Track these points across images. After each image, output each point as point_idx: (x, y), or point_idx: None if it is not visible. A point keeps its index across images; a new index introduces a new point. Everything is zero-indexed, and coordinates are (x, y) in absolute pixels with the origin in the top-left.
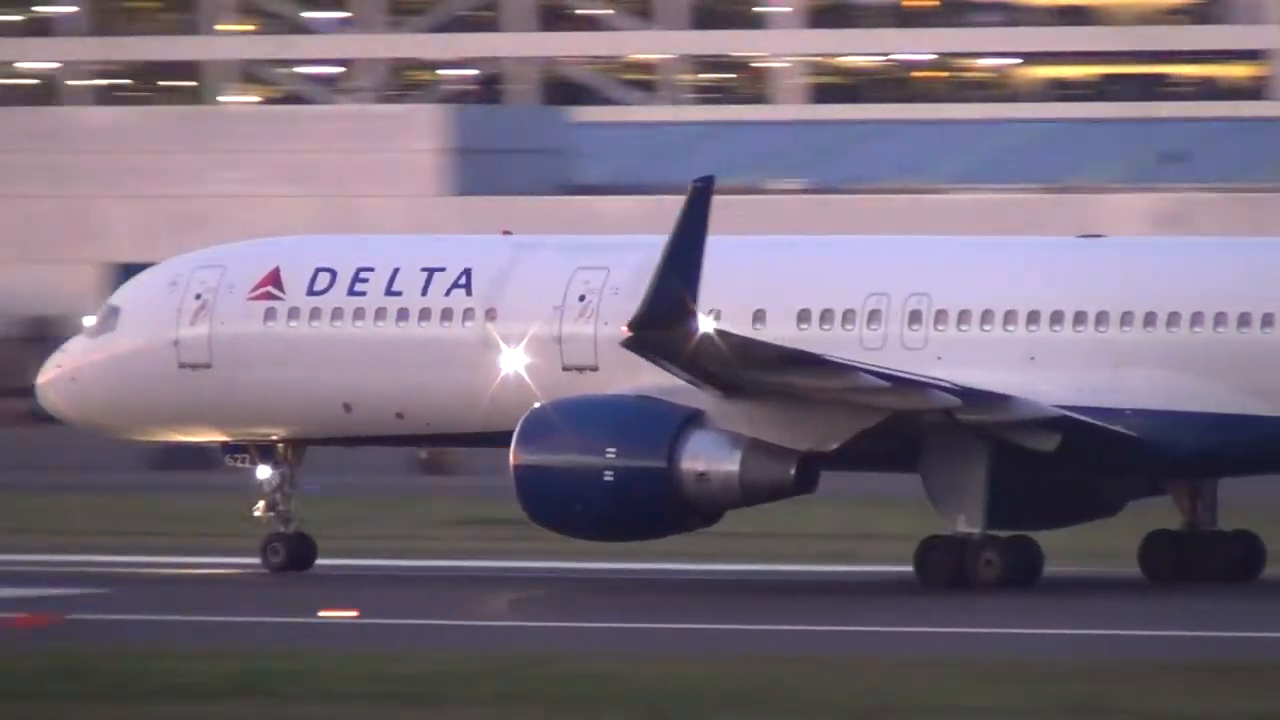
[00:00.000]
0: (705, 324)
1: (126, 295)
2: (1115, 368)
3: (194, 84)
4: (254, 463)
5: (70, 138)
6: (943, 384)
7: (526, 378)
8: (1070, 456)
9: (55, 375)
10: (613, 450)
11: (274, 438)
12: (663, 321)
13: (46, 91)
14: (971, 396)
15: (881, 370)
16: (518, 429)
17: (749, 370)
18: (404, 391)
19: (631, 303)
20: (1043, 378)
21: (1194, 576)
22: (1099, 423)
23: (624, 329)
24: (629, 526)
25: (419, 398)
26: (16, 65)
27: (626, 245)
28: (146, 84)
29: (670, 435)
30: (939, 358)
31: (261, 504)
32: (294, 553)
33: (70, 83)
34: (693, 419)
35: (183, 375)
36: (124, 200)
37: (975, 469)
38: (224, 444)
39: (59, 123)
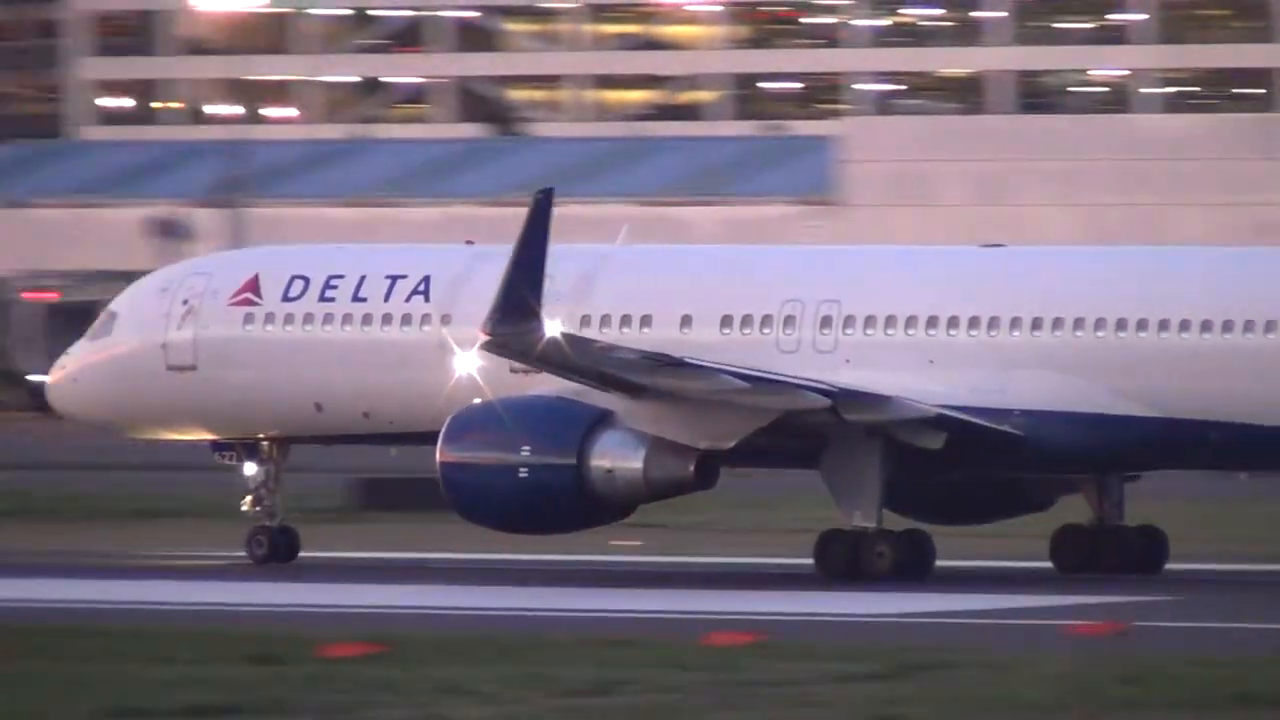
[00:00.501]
0: (551, 328)
1: (124, 300)
2: (1005, 370)
3: (1263, 91)
4: (240, 460)
5: (1140, 145)
6: (813, 385)
7: (478, 379)
8: (958, 454)
9: (60, 376)
10: (527, 448)
11: (260, 436)
12: (511, 325)
13: (1118, 98)
14: (850, 397)
15: (741, 371)
16: (444, 428)
17: (607, 372)
18: (369, 392)
19: (572, 306)
20: (940, 379)
21: (1101, 569)
22: (979, 421)
23: (481, 333)
24: (544, 521)
25: (382, 398)
26: (1089, 73)
27: (568, 254)
28: (1216, 91)
29: (580, 434)
30: (847, 360)
31: (248, 499)
32: (277, 545)
33: (1141, 90)
34: (603, 419)
35: (171, 377)
36: (1193, 209)
37: (869, 467)
38: (213, 442)
39: (1129, 130)
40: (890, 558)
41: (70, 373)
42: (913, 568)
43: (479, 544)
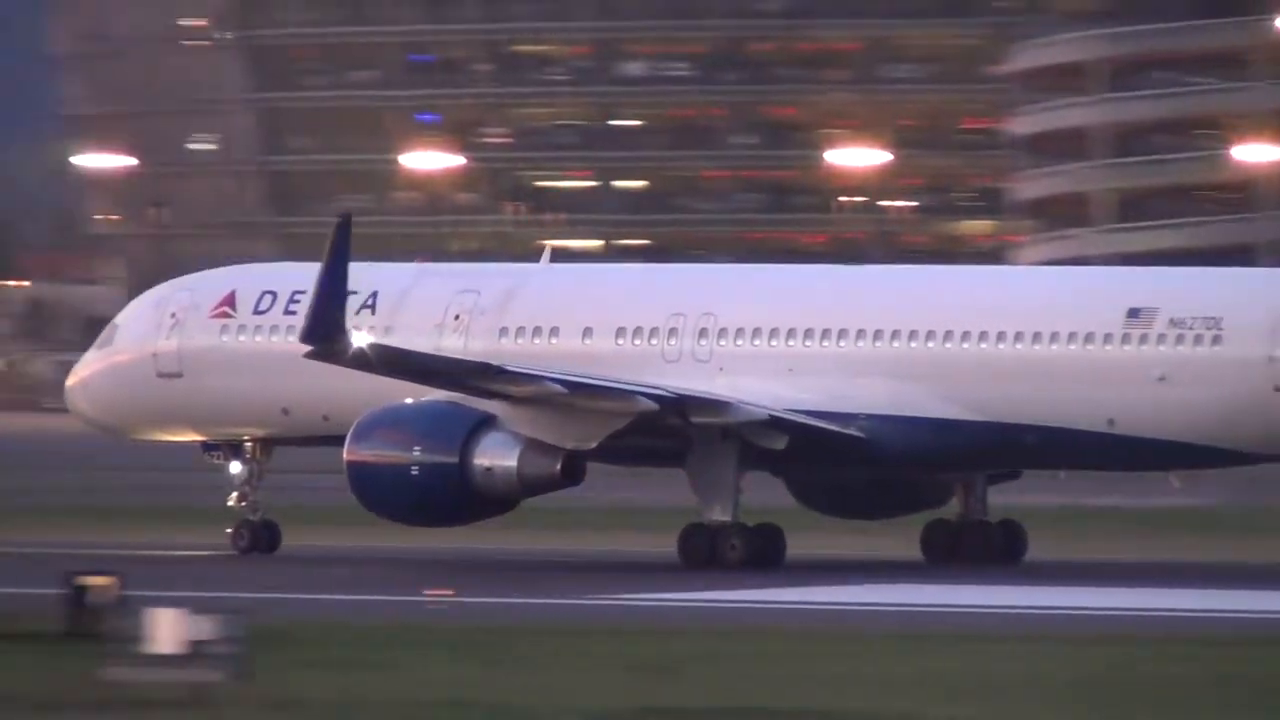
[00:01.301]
0: (359, 339)
1: (125, 314)
2: (853, 378)
3: None
4: (227, 459)
5: None
6: (648, 390)
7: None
8: (805, 454)
9: (73, 383)
10: (418, 449)
11: (244, 437)
12: (322, 337)
13: None
14: (686, 402)
15: (562, 376)
16: (350, 430)
17: (429, 378)
18: (327, 398)
19: (494, 319)
20: (798, 385)
21: (967, 559)
22: (816, 424)
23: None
24: (434, 514)
25: (338, 403)
26: None
27: (496, 272)
28: None
29: (463, 436)
30: (721, 369)
31: (234, 495)
32: (258, 538)
33: None
34: (485, 422)
35: (160, 383)
36: None
37: (725, 466)
38: (202, 443)
39: None
40: (742, 549)
41: (81, 379)
42: (765, 559)
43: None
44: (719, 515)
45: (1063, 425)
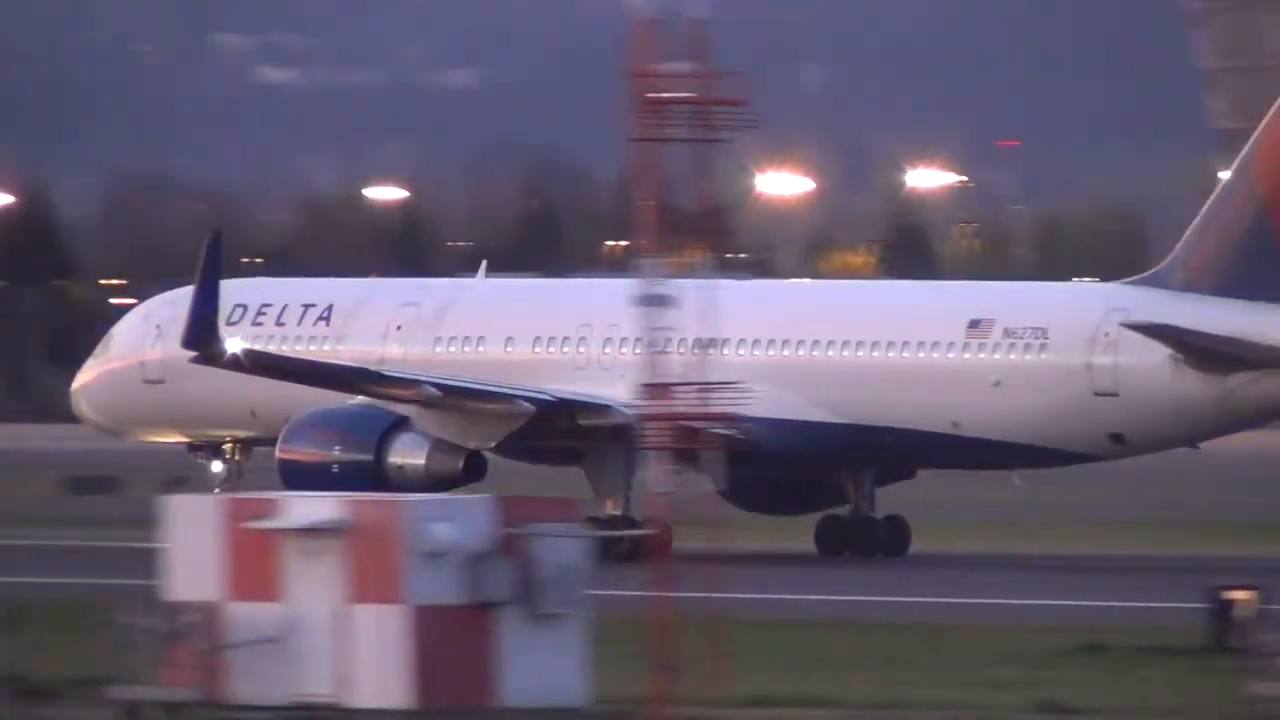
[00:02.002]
0: (233, 345)
1: (119, 325)
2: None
3: None
4: (209, 459)
5: None
6: (526, 393)
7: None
8: (689, 453)
9: (76, 387)
10: (338, 448)
11: (223, 438)
12: (198, 344)
13: None
14: (568, 405)
15: (438, 380)
16: (282, 430)
17: (303, 381)
18: (286, 402)
19: (430, 329)
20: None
21: (857, 552)
22: (696, 426)
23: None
24: None
25: (295, 406)
26: None
27: (434, 286)
28: None
29: (378, 436)
30: (622, 376)
31: (216, 491)
32: None
33: None
34: (399, 423)
35: (147, 388)
36: None
37: (615, 464)
38: (187, 444)
39: None
40: (629, 542)
41: (82, 384)
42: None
43: None
44: (611, 510)
45: (914, 427)
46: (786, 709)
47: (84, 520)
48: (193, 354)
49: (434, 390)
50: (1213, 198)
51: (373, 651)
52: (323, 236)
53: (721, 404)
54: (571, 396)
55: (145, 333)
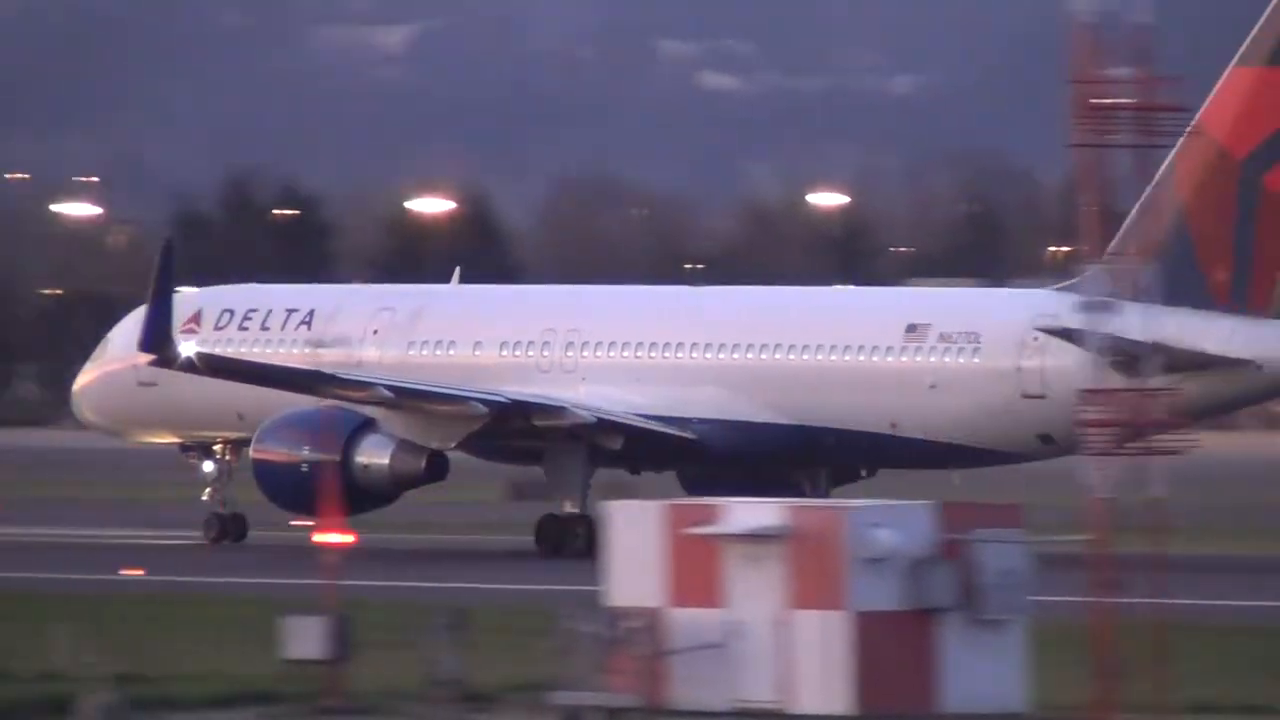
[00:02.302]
0: (186, 349)
1: (116, 329)
2: (688, 386)
3: None
4: (200, 459)
5: None
6: (480, 395)
7: None
8: (647, 454)
9: (76, 389)
10: (307, 448)
11: (213, 438)
12: (154, 349)
13: None
14: (521, 408)
15: (390, 382)
16: (257, 431)
17: (258, 383)
18: (271, 404)
19: (405, 333)
20: (645, 393)
21: None
22: (646, 426)
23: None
24: (322, 506)
25: (280, 409)
26: None
27: (412, 292)
28: None
29: (345, 437)
30: (584, 378)
31: (207, 490)
32: (226, 529)
33: None
34: (366, 424)
35: (140, 391)
36: None
37: (573, 463)
38: (180, 444)
39: None
40: (584, 538)
41: (81, 386)
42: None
43: None
44: (569, 508)
45: (855, 428)
46: (1231, 715)
47: (525, 526)
48: (150, 357)
49: (387, 392)
50: (1137, 207)
51: (814, 657)
52: (765, 242)
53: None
54: (525, 398)
55: (132, 335)
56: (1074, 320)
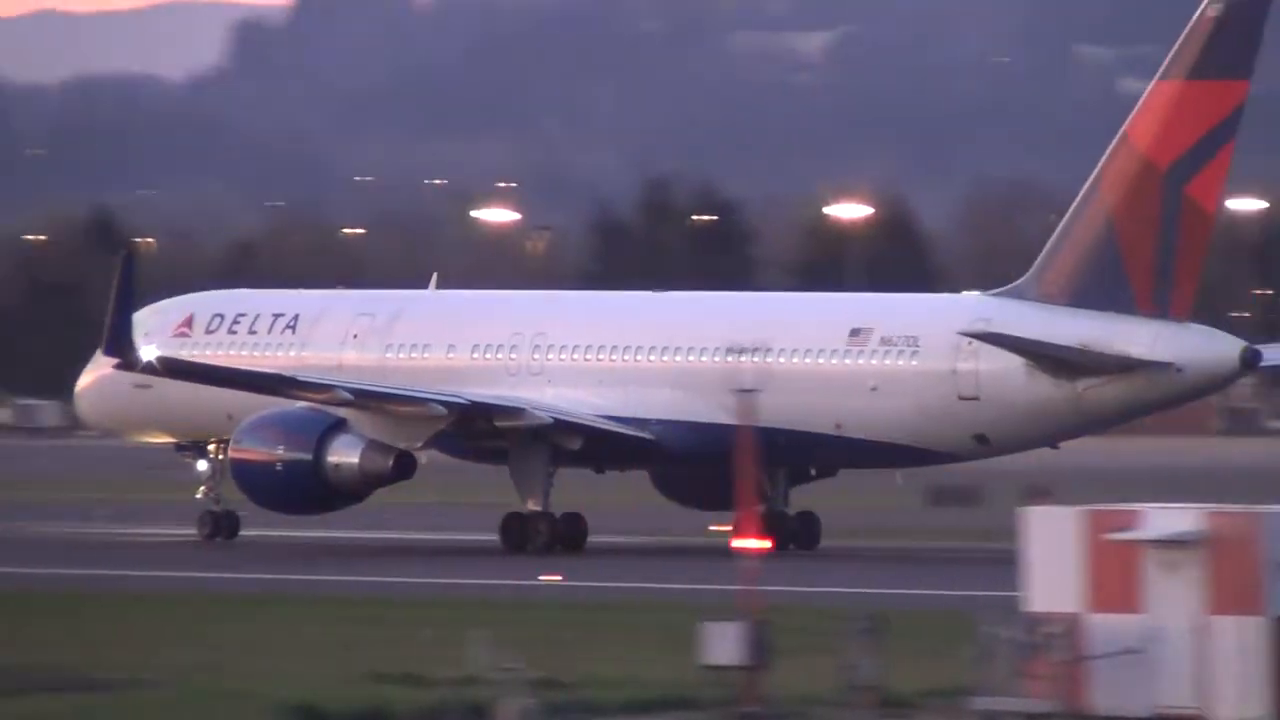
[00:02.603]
0: (147, 353)
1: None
2: (647, 388)
3: None
4: (195, 458)
5: None
6: (439, 397)
7: None
8: (608, 453)
9: (78, 390)
10: (281, 447)
11: (205, 438)
12: (115, 352)
13: None
14: (488, 409)
15: (351, 385)
16: (235, 431)
17: (222, 385)
18: (255, 404)
19: (382, 337)
20: (606, 395)
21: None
22: (601, 427)
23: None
24: (296, 503)
25: (262, 409)
26: None
27: (388, 297)
28: None
29: (317, 437)
30: (549, 380)
31: (202, 488)
32: (219, 526)
33: None
34: (337, 425)
35: (137, 392)
36: None
37: (536, 462)
38: (176, 444)
39: None
40: (546, 535)
41: (82, 387)
42: (569, 543)
43: None
44: (532, 505)
45: (803, 429)
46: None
47: (946, 531)
48: (115, 361)
49: (346, 394)
50: (1068, 214)
51: (1232, 663)
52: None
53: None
54: (484, 400)
55: (155, 331)
56: (1004, 325)
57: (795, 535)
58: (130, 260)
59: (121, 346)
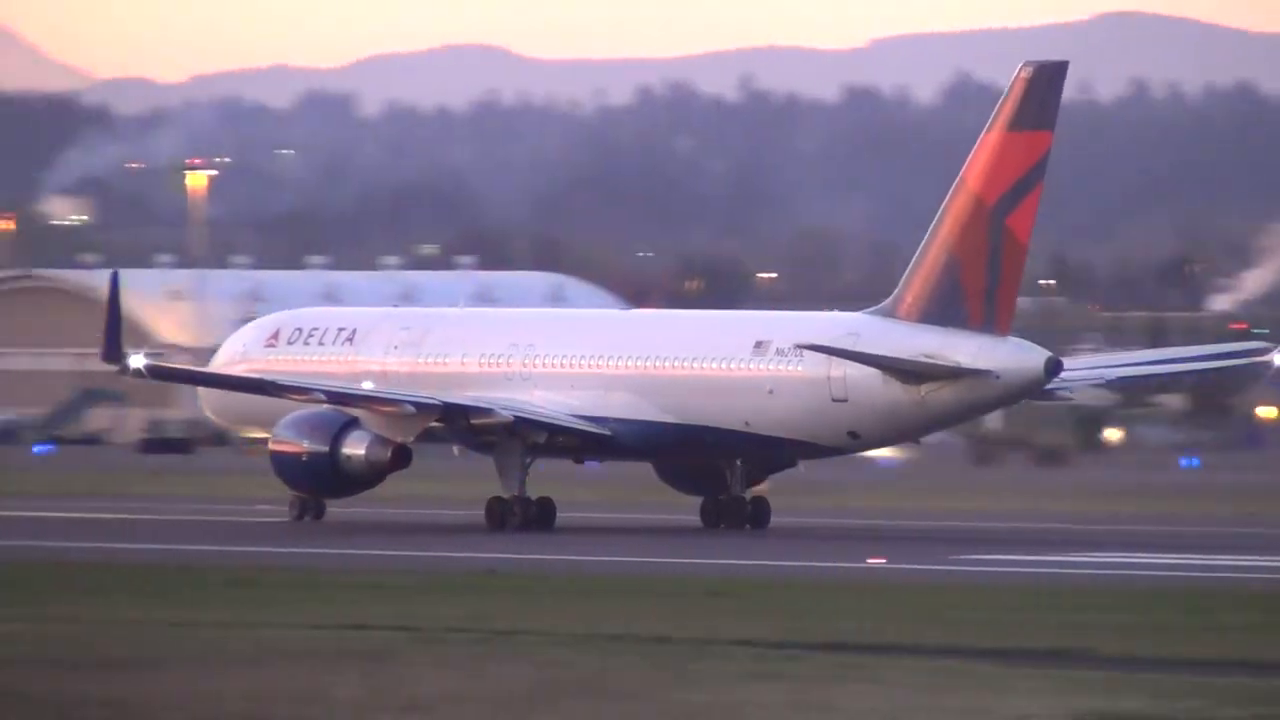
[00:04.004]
0: (136, 361)
1: (226, 339)
2: (607, 392)
3: None
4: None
5: None
6: (413, 398)
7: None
8: (572, 445)
9: (201, 392)
10: (305, 441)
11: None
12: (111, 361)
13: None
14: (463, 409)
15: (326, 388)
16: (274, 428)
17: (207, 386)
18: (299, 406)
19: (416, 347)
20: (576, 397)
21: (730, 525)
22: (564, 424)
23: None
24: (321, 488)
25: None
26: None
27: (427, 314)
28: None
29: (333, 433)
30: (535, 386)
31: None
32: (305, 507)
33: None
34: (351, 423)
35: (238, 393)
36: None
37: (512, 454)
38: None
39: None
40: (520, 516)
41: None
42: (540, 523)
43: None
44: (509, 490)
45: (721, 426)
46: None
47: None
48: (113, 367)
49: (322, 397)
50: (920, 245)
51: None
52: None
53: (598, 407)
54: (455, 400)
55: (247, 343)
56: (870, 338)
57: (750, 518)
58: (116, 281)
59: (114, 355)
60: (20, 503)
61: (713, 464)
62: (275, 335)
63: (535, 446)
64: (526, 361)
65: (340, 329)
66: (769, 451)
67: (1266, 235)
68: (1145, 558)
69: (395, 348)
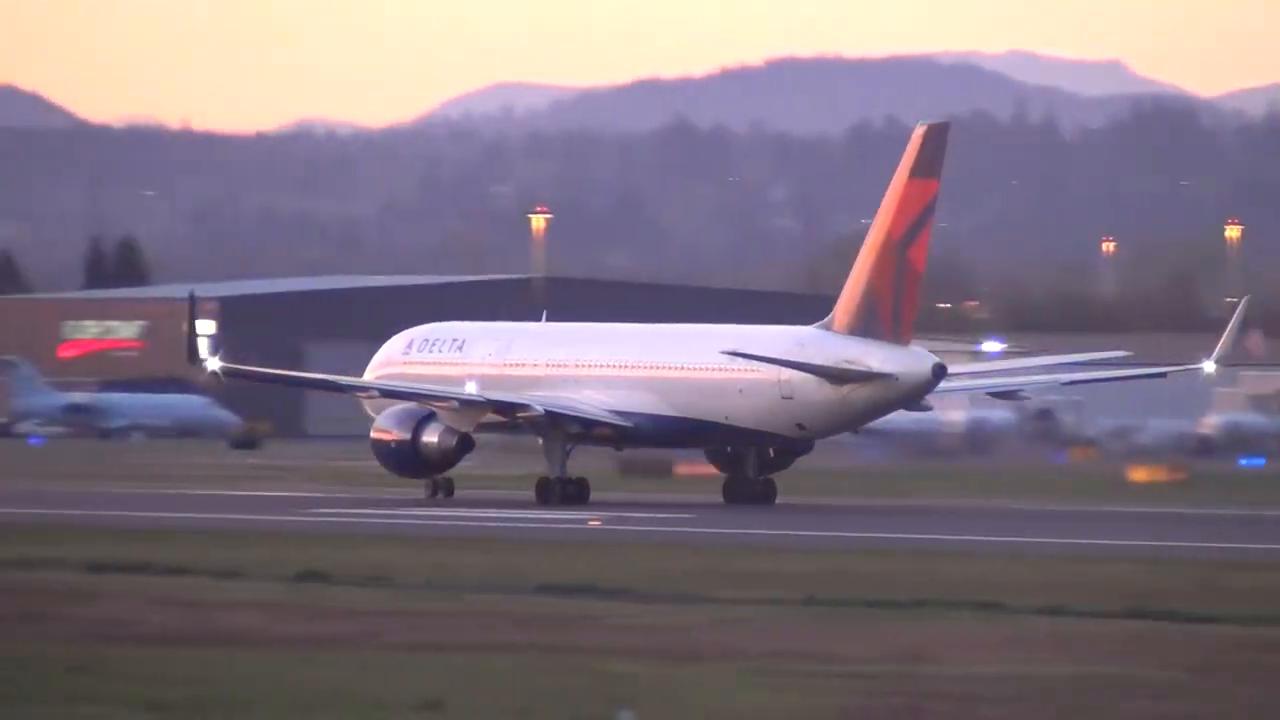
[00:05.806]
0: (212, 364)
1: (385, 344)
2: (631, 391)
3: None
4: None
5: None
6: (459, 396)
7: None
8: (603, 438)
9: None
10: (394, 431)
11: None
12: (194, 366)
13: None
14: (510, 404)
15: (382, 385)
16: (375, 419)
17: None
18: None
19: (503, 356)
20: (609, 395)
21: (745, 503)
22: (593, 416)
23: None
24: (408, 470)
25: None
26: None
27: (506, 329)
28: None
29: (414, 425)
30: (582, 386)
31: None
32: (438, 488)
33: None
34: (430, 415)
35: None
36: None
37: (555, 441)
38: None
39: None
40: (559, 493)
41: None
42: (577, 499)
43: None
44: (553, 472)
45: (709, 420)
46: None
47: None
48: (198, 370)
49: (378, 393)
50: (852, 270)
51: None
52: None
53: (624, 404)
54: (498, 398)
55: (391, 351)
56: (813, 348)
57: (759, 497)
58: (193, 299)
59: (194, 359)
60: None
61: (737, 452)
62: (410, 344)
63: (576, 436)
64: (577, 367)
65: (454, 339)
66: (745, 441)
67: None
68: None
69: (489, 355)
